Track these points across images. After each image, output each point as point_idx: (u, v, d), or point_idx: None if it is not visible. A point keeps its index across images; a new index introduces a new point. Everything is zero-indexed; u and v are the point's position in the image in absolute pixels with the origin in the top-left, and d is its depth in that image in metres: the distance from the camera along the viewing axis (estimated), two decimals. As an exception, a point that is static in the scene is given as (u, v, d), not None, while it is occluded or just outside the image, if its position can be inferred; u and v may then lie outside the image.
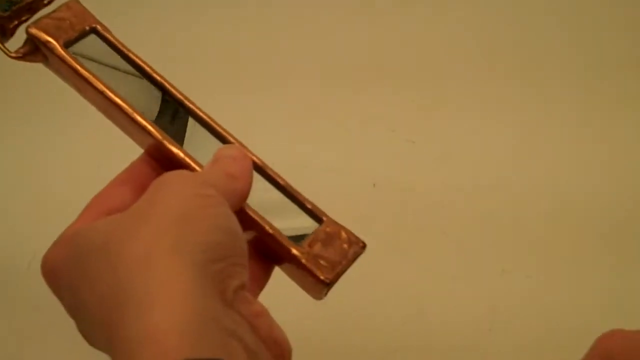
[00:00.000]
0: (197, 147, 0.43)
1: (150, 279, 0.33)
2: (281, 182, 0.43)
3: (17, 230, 0.66)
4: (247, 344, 0.34)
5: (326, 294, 0.41)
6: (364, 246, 0.42)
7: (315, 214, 0.42)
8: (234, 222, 0.37)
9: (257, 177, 0.41)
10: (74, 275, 0.37)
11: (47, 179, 0.70)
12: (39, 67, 0.76)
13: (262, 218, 0.41)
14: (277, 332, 0.36)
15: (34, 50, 0.44)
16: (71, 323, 0.58)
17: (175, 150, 0.42)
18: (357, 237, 0.42)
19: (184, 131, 0.43)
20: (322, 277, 0.40)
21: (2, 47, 0.44)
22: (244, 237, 0.37)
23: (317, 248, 0.41)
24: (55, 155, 0.72)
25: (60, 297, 0.39)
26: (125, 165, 0.68)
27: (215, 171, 0.39)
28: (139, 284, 0.33)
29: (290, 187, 0.43)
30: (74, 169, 0.70)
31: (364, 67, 0.76)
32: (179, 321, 0.32)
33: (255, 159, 0.42)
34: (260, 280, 0.42)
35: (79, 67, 0.43)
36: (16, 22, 0.44)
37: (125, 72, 0.44)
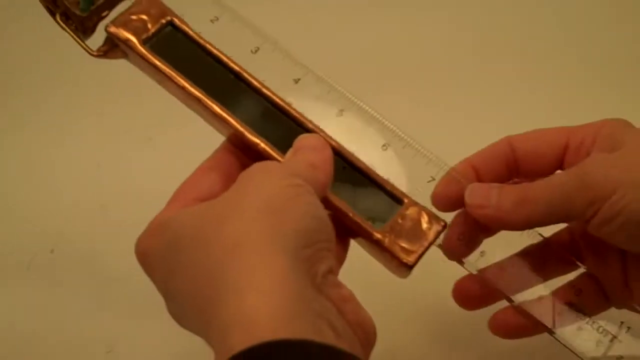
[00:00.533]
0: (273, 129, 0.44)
1: (244, 264, 0.34)
2: (361, 165, 0.44)
3: (17, 231, 0.66)
4: (336, 328, 0.35)
5: (409, 273, 0.42)
6: (445, 225, 0.43)
7: (395, 196, 0.43)
8: (322, 210, 0.38)
9: (336, 160, 0.42)
10: (166, 261, 0.39)
11: (47, 179, 0.70)
12: (37, 67, 0.77)
13: (344, 204, 0.42)
14: (363, 316, 0.38)
15: (115, 47, 0.45)
16: (69, 325, 0.58)
17: (255, 140, 0.43)
18: (437, 217, 0.43)
19: (259, 113, 0.44)
20: (404, 260, 0.42)
21: (84, 46, 0.45)
22: (330, 224, 0.38)
23: (399, 230, 0.42)
24: (55, 155, 0.72)
25: (155, 282, 0.41)
26: (124, 167, 0.69)
27: (299, 161, 0.41)
28: (233, 269, 0.34)
29: (370, 169, 0.44)
30: (74, 168, 0.70)
31: (361, 66, 0.76)
32: (272, 304, 0.33)
33: (333, 143, 0.43)
34: (340, 256, 0.43)
35: (158, 63, 0.44)
36: (96, 20, 0.45)
37: (202, 60, 0.45)
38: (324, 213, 0.38)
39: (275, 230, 0.36)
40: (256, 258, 0.35)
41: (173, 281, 0.38)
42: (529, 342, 0.47)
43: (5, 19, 0.83)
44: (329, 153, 0.42)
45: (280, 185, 0.38)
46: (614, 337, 0.44)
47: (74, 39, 0.44)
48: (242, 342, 0.32)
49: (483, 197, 0.43)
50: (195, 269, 0.36)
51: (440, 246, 0.44)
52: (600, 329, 0.45)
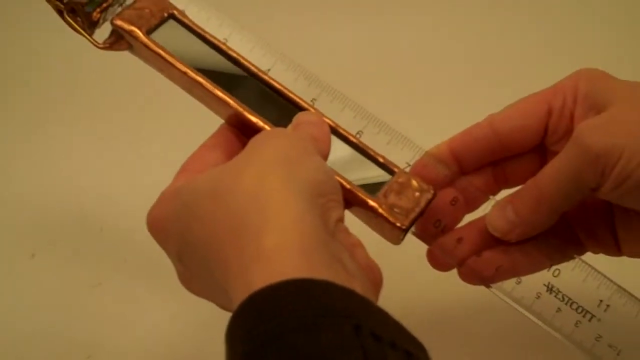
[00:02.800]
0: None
1: (263, 208, 0.36)
2: (354, 140, 0.47)
3: (17, 228, 0.67)
4: (349, 268, 0.37)
5: (402, 238, 0.45)
6: (435, 193, 0.45)
7: (387, 167, 0.46)
8: (329, 168, 0.41)
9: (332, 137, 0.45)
10: (184, 221, 0.40)
11: (46, 178, 0.70)
12: (31, 71, 0.77)
13: (339, 175, 0.45)
14: (371, 261, 0.40)
15: (119, 39, 0.48)
16: (48, 330, 0.58)
17: (255, 119, 0.46)
18: (427, 186, 0.45)
19: (257, 97, 0.47)
20: (398, 224, 0.44)
21: (92, 40, 0.48)
22: (337, 181, 0.41)
23: (392, 197, 0.45)
24: (54, 155, 0.72)
25: (168, 247, 0.42)
26: (125, 166, 0.69)
27: (302, 133, 0.43)
28: (254, 213, 0.36)
29: (363, 144, 0.47)
30: (74, 167, 0.71)
31: (355, 69, 0.76)
32: (291, 242, 0.35)
33: (329, 121, 0.46)
34: None
35: (161, 52, 0.47)
36: (99, 10, 0.47)
37: (201, 49, 0.48)
38: (331, 171, 0.41)
39: (291, 178, 0.38)
40: (275, 201, 0.36)
41: (189, 239, 0.39)
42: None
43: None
44: (327, 127, 0.44)
45: (292, 144, 0.41)
46: (593, 316, 0.45)
47: (82, 33, 0.47)
48: (262, 279, 0.33)
49: (505, 221, 0.45)
50: (213, 220, 0.38)
51: (414, 233, 0.47)
52: (579, 309, 0.45)
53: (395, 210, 0.44)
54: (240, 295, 0.34)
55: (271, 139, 0.41)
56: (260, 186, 0.37)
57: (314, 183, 0.38)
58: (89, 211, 0.67)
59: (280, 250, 0.35)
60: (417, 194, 0.45)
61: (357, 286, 0.36)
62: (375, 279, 0.39)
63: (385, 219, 0.44)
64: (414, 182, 0.45)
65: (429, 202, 0.45)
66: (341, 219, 0.40)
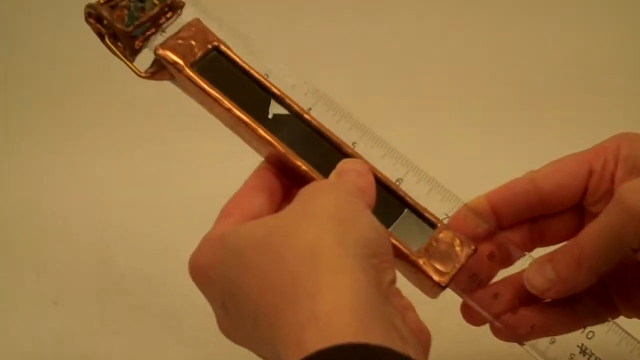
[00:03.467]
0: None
1: (318, 267, 0.36)
2: (396, 189, 0.46)
3: (39, 274, 0.66)
4: (401, 332, 0.36)
5: (441, 293, 0.44)
6: (475, 249, 0.45)
7: (429, 220, 0.46)
8: (380, 225, 0.40)
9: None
10: (230, 272, 0.39)
11: (68, 224, 0.70)
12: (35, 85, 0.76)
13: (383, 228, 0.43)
14: (422, 325, 0.39)
15: (162, 69, 0.46)
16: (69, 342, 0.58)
17: (298, 163, 0.45)
18: (468, 241, 0.45)
19: (298, 136, 0.46)
20: (437, 280, 0.44)
21: (133, 67, 0.46)
22: (388, 239, 0.41)
23: (433, 252, 0.44)
24: (55, 170, 0.73)
25: (210, 294, 0.42)
26: (148, 210, 0.69)
27: (348, 183, 0.42)
28: (307, 272, 0.36)
29: (405, 194, 0.46)
30: (95, 212, 0.71)
31: (371, 100, 0.76)
32: (347, 305, 0.34)
33: (370, 167, 0.45)
34: None
35: (205, 87, 0.45)
36: (142, 39, 0.46)
37: (245, 84, 0.47)
38: (381, 227, 0.40)
39: (345, 237, 0.37)
40: (329, 262, 0.36)
41: (234, 292, 0.39)
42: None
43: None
44: (372, 177, 0.43)
45: (342, 200, 0.40)
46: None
47: (122, 60, 0.46)
48: (316, 341, 0.33)
49: (544, 279, 0.45)
50: (263, 277, 0.37)
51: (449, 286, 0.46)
52: None
53: (436, 266, 0.44)
54: (292, 356, 0.33)
55: (321, 194, 0.40)
56: (314, 245, 0.37)
57: (366, 242, 0.38)
58: (111, 257, 0.67)
59: (336, 312, 0.34)
60: (457, 249, 0.45)
61: (411, 351, 0.35)
62: (425, 343, 0.39)
63: (426, 274, 0.44)
64: (456, 238, 0.45)
65: (469, 257, 0.45)
66: (394, 281, 0.39)
